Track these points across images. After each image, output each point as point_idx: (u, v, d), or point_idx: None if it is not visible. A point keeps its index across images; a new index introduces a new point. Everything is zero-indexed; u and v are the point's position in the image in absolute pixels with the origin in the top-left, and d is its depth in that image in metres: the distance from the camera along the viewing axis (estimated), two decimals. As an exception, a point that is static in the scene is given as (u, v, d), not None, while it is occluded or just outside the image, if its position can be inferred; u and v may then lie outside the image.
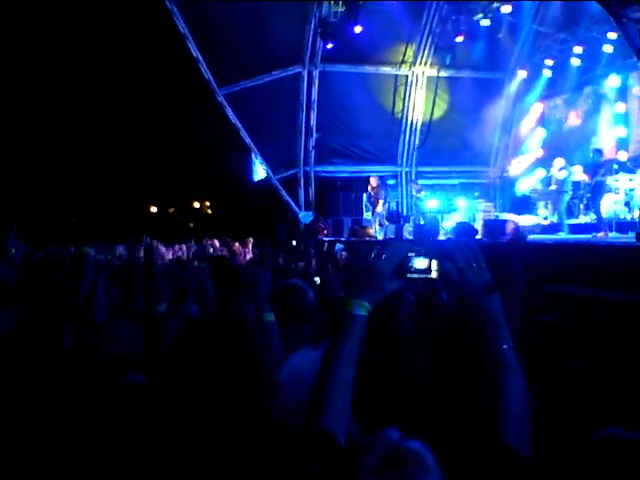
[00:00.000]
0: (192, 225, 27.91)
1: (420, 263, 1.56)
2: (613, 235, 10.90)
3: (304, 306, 2.92)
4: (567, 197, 12.51)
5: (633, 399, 2.85)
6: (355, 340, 1.54)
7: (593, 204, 11.61)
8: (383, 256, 1.58)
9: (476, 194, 17.00)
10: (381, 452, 1.32)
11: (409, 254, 1.57)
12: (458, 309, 1.69)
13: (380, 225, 14.99)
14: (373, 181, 15.60)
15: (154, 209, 29.43)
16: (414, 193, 15.41)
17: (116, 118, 23.36)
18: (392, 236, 13.99)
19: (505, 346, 1.51)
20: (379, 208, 15.08)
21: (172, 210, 30.27)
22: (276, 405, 2.06)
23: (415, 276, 1.58)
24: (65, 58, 20.95)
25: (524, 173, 16.47)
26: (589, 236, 10.76)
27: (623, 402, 2.78)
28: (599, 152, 11.83)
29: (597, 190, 11.44)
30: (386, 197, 15.72)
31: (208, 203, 30.22)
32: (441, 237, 13.17)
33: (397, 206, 17.91)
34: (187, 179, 26.22)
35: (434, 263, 1.56)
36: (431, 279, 1.58)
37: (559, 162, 13.27)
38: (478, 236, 11.25)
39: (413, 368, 2.54)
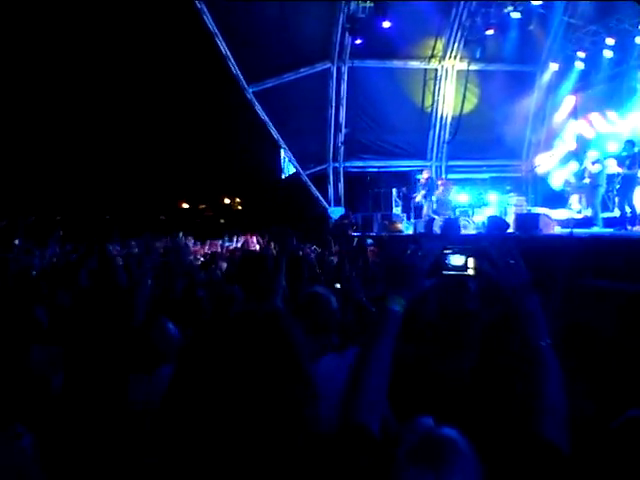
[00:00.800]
0: (223, 221, 28.18)
1: (456, 260, 1.59)
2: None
3: (329, 315, 2.92)
4: (602, 190, 12.29)
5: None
6: (391, 335, 1.58)
7: (624, 197, 11.37)
8: (419, 253, 1.61)
9: (508, 188, 16.76)
10: (416, 438, 1.36)
11: (445, 251, 1.61)
12: (498, 306, 1.73)
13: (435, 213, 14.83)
14: (425, 173, 15.89)
15: (186, 205, 29.79)
16: (439, 191, 15.29)
17: (149, 116, 23.70)
18: (422, 231, 13.91)
19: (543, 343, 1.54)
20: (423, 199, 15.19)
21: (203, 206, 30.59)
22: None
23: (452, 273, 1.62)
24: (101, 55, 21.33)
25: (557, 166, 16.22)
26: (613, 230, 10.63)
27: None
28: (630, 143, 11.51)
29: (626, 183, 11.21)
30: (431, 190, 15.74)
31: (238, 199, 30.47)
32: (467, 232, 13.03)
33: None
34: (218, 176, 26.47)
35: (470, 261, 1.59)
36: (468, 276, 1.61)
37: (592, 155, 13.04)
38: (510, 230, 11.14)
39: (447, 359, 2.56)
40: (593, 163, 12.69)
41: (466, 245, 1.62)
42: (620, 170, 11.68)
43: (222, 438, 1.34)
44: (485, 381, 2.03)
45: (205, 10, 14.38)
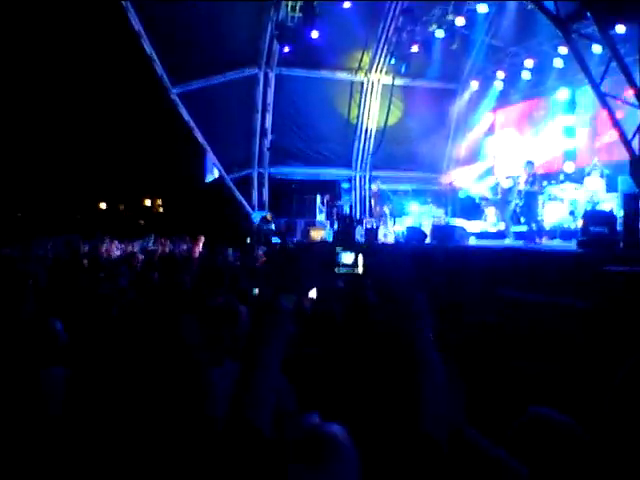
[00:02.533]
0: (142, 223, 27.47)
1: (347, 258, 1.62)
2: (556, 242, 11.29)
3: (235, 324, 2.85)
4: (512, 205, 12.87)
5: (568, 394, 2.98)
6: (281, 332, 1.57)
7: (528, 213, 11.93)
8: (310, 252, 1.63)
9: (428, 200, 17.30)
10: (301, 434, 1.37)
11: (337, 249, 1.63)
12: (383, 303, 1.76)
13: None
14: (374, 187, 16.54)
15: (103, 205, 28.87)
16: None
17: (67, 114, 22.84)
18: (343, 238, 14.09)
19: (426, 337, 1.58)
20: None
21: (122, 207, 29.73)
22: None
23: (343, 270, 1.64)
24: (18, 51, 20.41)
25: (475, 181, 16.84)
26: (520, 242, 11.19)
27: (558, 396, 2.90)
28: (530, 163, 12.13)
29: (528, 199, 11.79)
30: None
31: (160, 201, 29.82)
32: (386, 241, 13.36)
33: (350, 209, 18.06)
34: (139, 177, 25.82)
35: (360, 258, 1.62)
36: (357, 274, 1.64)
37: (505, 171, 13.67)
38: (427, 240, 11.45)
39: (345, 359, 2.60)
40: (506, 178, 13.30)
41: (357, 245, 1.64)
42: (523, 187, 12.34)
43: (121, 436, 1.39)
44: (375, 376, 2.06)
45: (130, 8, 14.01)
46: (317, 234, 15.32)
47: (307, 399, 2.11)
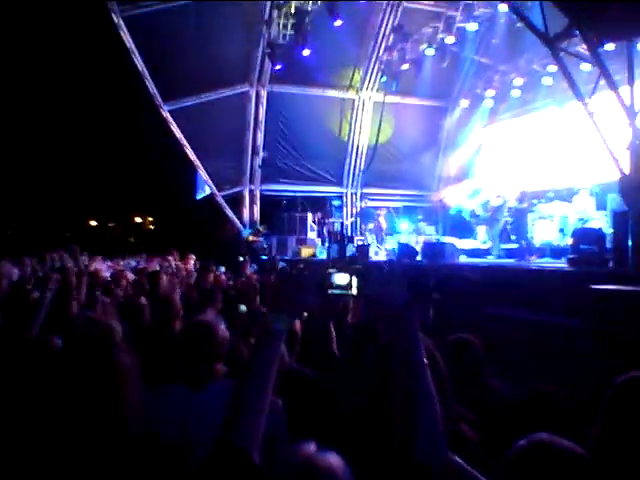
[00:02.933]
0: (132, 240, 27.35)
1: (341, 279, 1.60)
2: (546, 260, 11.32)
3: (214, 343, 2.79)
4: (501, 223, 12.94)
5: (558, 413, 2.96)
6: (273, 354, 1.55)
7: (517, 229, 12.03)
8: (305, 272, 1.61)
9: (419, 217, 17.35)
10: (296, 463, 1.34)
11: (330, 270, 1.61)
12: (379, 324, 1.74)
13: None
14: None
15: (94, 223, 28.72)
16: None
17: (58, 130, 22.79)
18: (335, 256, 14.08)
19: (421, 362, 1.56)
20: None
21: (112, 224, 29.60)
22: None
23: (337, 292, 1.62)
24: (8, 69, 20.38)
25: (465, 198, 16.89)
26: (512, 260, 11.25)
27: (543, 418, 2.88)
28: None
29: (517, 216, 11.87)
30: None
31: (151, 219, 29.72)
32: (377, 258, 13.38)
33: (341, 226, 18.06)
34: (130, 194, 25.74)
35: (354, 280, 1.60)
36: (351, 295, 1.62)
37: (495, 189, 13.74)
38: (418, 257, 11.46)
39: (343, 387, 2.57)
40: (496, 197, 13.37)
41: (350, 266, 1.63)
42: (513, 204, 12.44)
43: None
44: (369, 405, 2.04)
45: (122, 25, 14.06)
46: (308, 252, 15.30)
47: (300, 422, 2.08)
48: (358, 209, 18.91)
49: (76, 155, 23.83)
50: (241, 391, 1.53)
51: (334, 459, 1.37)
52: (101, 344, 2.59)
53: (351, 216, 18.92)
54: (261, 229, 16.59)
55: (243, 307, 5.16)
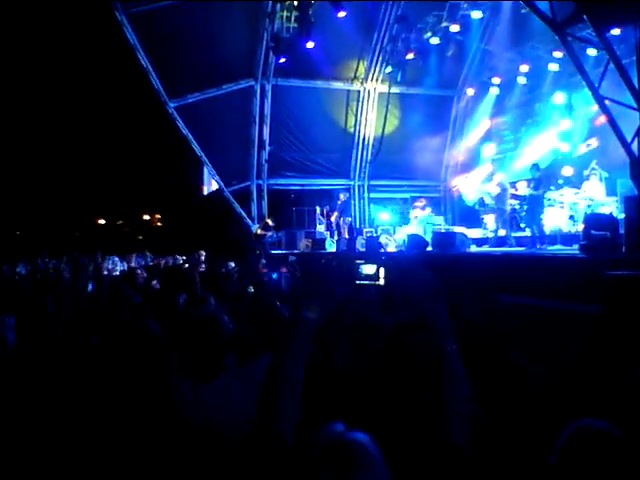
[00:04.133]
0: (141, 237, 27.44)
1: (368, 270, 1.61)
2: (557, 247, 11.28)
3: (219, 337, 2.77)
4: (507, 211, 12.91)
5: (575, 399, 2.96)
6: (304, 342, 1.58)
7: (531, 217, 11.99)
8: (333, 263, 1.63)
9: (427, 208, 17.29)
10: (326, 443, 1.35)
11: (358, 262, 1.62)
12: (401, 314, 1.75)
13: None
14: (342, 196, 16.75)
15: (102, 221, 28.84)
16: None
17: (64, 129, 22.86)
18: (345, 249, 14.08)
19: (449, 348, 1.56)
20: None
21: (120, 222, 29.71)
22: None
23: (365, 282, 1.63)
24: (16, 65, 20.46)
25: (473, 187, 16.84)
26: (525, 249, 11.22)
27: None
28: (535, 166, 12.25)
29: (532, 204, 11.83)
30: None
31: (159, 216, 29.80)
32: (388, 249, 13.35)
33: (352, 219, 18.07)
34: (137, 191, 25.81)
35: (382, 270, 1.61)
36: (379, 285, 1.63)
37: (498, 178, 13.69)
38: (429, 248, 11.44)
39: (368, 370, 2.58)
40: (496, 185, 13.35)
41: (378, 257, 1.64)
42: (527, 192, 12.36)
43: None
44: (394, 385, 2.05)
45: (126, 22, 14.07)
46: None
47: (334, 408, 2.08)
48: (366, 201, 18.90)
49: (83, 155, 23.91)
50: (274, 378, 1.56)
51: (363, 436, 1.39)
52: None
53: (359, 208, 18.93)
54: (269, 221, 16.59)
55: (251, 288, 5.13)
